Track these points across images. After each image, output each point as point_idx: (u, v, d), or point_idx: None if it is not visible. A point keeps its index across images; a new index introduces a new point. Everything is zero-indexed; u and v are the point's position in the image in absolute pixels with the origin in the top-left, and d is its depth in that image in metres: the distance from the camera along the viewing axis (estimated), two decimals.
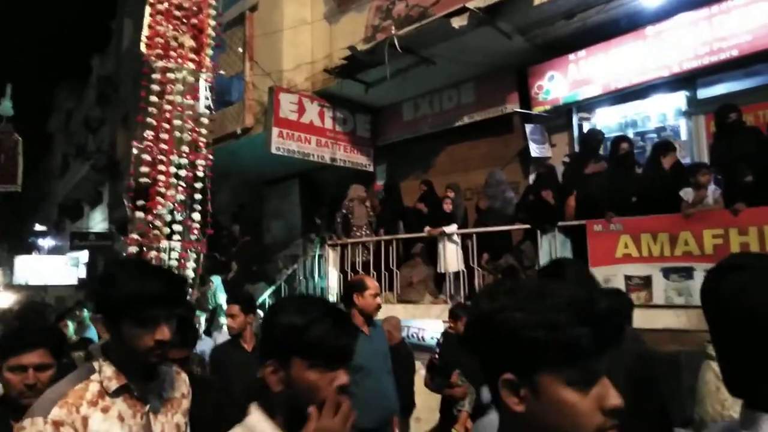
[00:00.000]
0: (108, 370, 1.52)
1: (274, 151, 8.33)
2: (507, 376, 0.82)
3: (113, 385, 1.50)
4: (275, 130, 8.35)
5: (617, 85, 6.68)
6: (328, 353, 1.17)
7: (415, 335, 7.27)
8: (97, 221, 20.59)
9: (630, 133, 6.98)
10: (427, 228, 6.96)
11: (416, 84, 8.40)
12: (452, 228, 6.77)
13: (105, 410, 1.47)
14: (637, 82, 6.53)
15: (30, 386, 1.89)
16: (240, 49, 9.49)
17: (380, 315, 4.09)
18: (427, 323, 7.02)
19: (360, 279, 3.65)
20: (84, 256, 20.18)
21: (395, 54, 7.06)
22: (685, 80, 6.40)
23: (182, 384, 1.77)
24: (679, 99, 6.67)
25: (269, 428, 1.17)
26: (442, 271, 6.82)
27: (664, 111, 6.94)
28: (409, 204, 8.21)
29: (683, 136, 6.70)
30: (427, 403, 5.04)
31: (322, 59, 8.68)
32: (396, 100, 9.17)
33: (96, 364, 1.55)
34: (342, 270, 7.82)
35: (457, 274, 6.65)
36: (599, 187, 5.59)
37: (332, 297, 7.78)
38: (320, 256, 8.56)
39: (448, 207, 7.15)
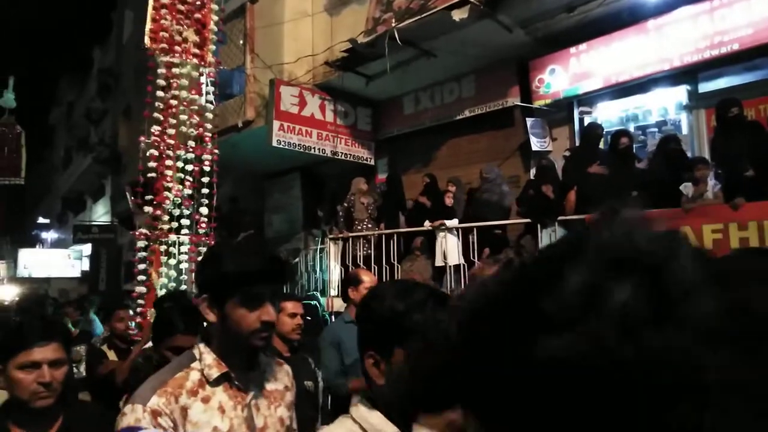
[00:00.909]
0: (208, 357, 1.46)
1: (275, 144, 8.34)
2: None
3: (214, 373, 1.43)
4: (276, 123, 8.35)
5: (618, 78, 6.66)
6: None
7: None
8: (100, 214, 20.65)
9: (631, 127, 6.97)
10: (427, 222, 6.99)
11: (417, 77, 8.39)
12: (453, 222, 6.79)
13: (205, 400, 1.41)
14: (638, 75, 6.51)
15: (46, 385, 1.65)
16: (241, 42, 9.48)
17: None
18: None
19: (355, 273, 3.64)
20: (87, 248, 20.23)
21: (396, 47, 7.05)
22: (686, 74, 6.39)
23: (285, 375, 1.66)
24: (680, 93, 6.66)
25: (378, 418, 1.08)
26: (441, 264, 6.85)
27: (665, 105, 6.93)
28: (410, 198, 8.23)
29: (684, 130, 6.69)
30: None
31: (322, 52, 8.67)
32: (397, 94, 9.16)
33: (196, 351, 1.49)
34: (344, 264, 7.84)
35: (457, 267, 6.68)
36: (599, 182, 5.60)
37: (333, 291, 7.82)
38: (322, 250, 8.59)
39: (449, 201, 7.17)
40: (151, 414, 1.34)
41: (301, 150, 8.67)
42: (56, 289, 18.81)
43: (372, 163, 9.64)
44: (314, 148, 8.85)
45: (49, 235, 27.33)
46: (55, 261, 22.35)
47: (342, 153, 9.22)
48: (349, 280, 3.53)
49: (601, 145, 6.37)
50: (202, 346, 1.50)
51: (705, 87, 6.39)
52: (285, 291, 8.19)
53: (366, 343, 1.11)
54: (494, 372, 0.38)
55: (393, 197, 8.20)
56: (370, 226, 7.91)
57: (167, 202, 4.92)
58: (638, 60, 6.43)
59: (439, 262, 6.90)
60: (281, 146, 8.43)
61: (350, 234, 7.87)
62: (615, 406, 0.33)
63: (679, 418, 0.32)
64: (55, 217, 27.38)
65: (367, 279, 3.48)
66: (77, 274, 21.33)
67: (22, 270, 22.33)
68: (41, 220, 29.01)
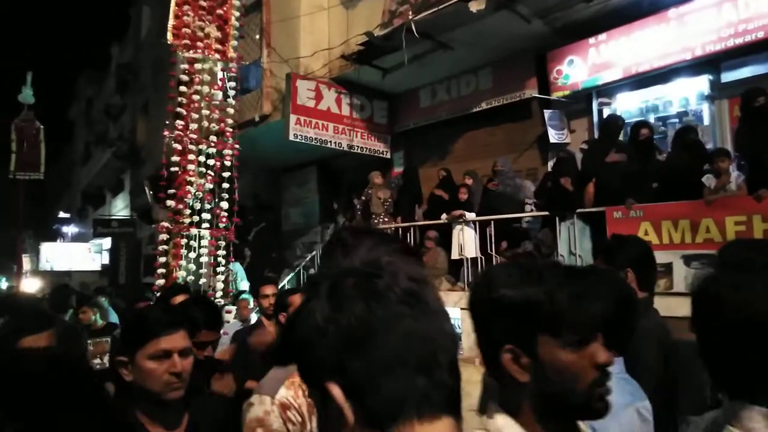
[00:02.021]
0: None
1: (291, 138, 8.37)
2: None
3: None
4: (293, 117, 8.37)
5: (638, 69, 6.56)
6: (581, 325, 0.94)
7: None
8: (119, 208, 20.93)
9: (651, 119, 6.87)
10: (444, 215, 6.97)
11: (433, 70, 8.35)
12: (471, 215, 6.77)
13: None
14: (658, 65, 6.40)
15: (177, 375, 1.55)
16: (257, 36, 9.50)
17: None
18: None
19: None
20: (107, 242, 20.55)
21: (412, 39, 7.02)
22: (709, 63, 6.27)
23: None
24: (702, 83, 6.54)
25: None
26: (458, 257, 6.83)
27: (687, 95, 6.81)
28: (426, 191, 8.21)
29: (706, 120, 6.58)
30: None
31: (339, 45, 8.66)
32: (413, 86, 9.13)
33: None
34: None
35: (474, 261, 6.66)
36: (619, 174, 5.53)
37: None
38: None
39: (463, 196, 7.14)
40: (280, 407, 1.32)
41: (318, 144, 8.70)
42: (78, 282, 19.13)
43: (388, 156, 9.63)
44: (330, 141, 8.86)
45: (70, 229, 27.76)
46: (76, 254, 22.72)
47: (358, 146, 9.23)
48: None
49: (621, 137, 6.28)
50: None
51: (728, 77, 6.27)
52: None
53: (498, 338, 0.96)
54: None
55: (409, 191, 8.20)
56: (386, 220, 7.92)
57: (189, 196, 4.98)
58: (659, 50, 6.32)
59: (455, 255, 6.89)
60: (298, 140, 8.46)
61: None
62: None
63: None
64: (76, 211, 27.83)
65: None
66: (98, 267, 21.67)
67: (45, 263, 22.73)
68: (62, 214, 29.47)
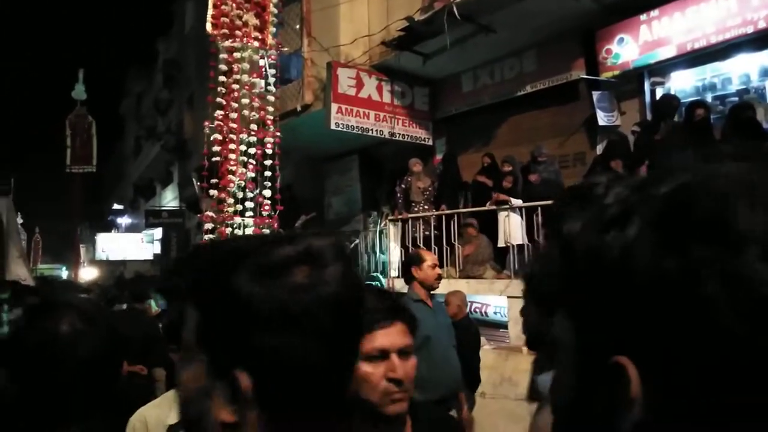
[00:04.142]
0: None
1: (333, 127, 8.38)
2: None
3: None
4: (334, 106, 8.38)
5: (694, 45, 6.22)
6: None
7: (478, 310, 7.22)
8: (169, 199, 21.59)
9: (708, 98, 6.54)
10: (489, 202, 6.85)
11: (475, 54, 8.17)
12: (518, 201, 6.63)
13: None
14: (716, 41, 6.05)
15: (398, 382, 1.16)
16: (297, 26, 9.53)
17: (443, 290, 4.08)
18: (491, 299, 6.95)
19: (417, 252, 3.69)
20: (158, 232, 21.26)
21: (454, 23, 6.88)
22: None
23: None
24: (764, 58, 6.15)
25: None
26: (504, 244, 6.71)
27: (747, 71, 6.43)
28: (468, 178, 8.08)
29: None
30: (491, 379, 5.02)
31: (379, 32, 8.58)
32: (454, 72, 8.97)
33: None
34: (403, 245, 7.83)
35: (521, 248, 6.52)
36: (673, 156, 5.27)
37: (393, 272, 7.84)
38: (381, 231, 8.61)
39: (507, 184, 7.01)
40: None
41: (359, 132, 8.68)
42: (132, 271, 19.90)
43: (430, 143, 9.53)
44: (372, 129, 8.83)
45: (123, 220, 28.86)
46: (129, 244, 23.60)
47: (399, 134, 9.16)
48: (411, 260, 3.54)
49: (676, 118, 5.99)
50: None
51: None
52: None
53: None
54: None
55: (448, 178, 8.09)
56: (426, 207, 7.86)
57: (231, 185, 5.06)
58: (717, 24, 5.98)
59: (501, 243, 6.76)
60: (339, 129, 8.46)
61: (410, 215, 7.83)
62: None
63: None
64: (128, 203, 28.89)
65: (429, 258, 3.50)
66: (150, 256, 22.45)
67: (101, 253, 23.74)
68: (115, 206, 30.67)
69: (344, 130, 8.52)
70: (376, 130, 8.89)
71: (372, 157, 10.75)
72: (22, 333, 1.14)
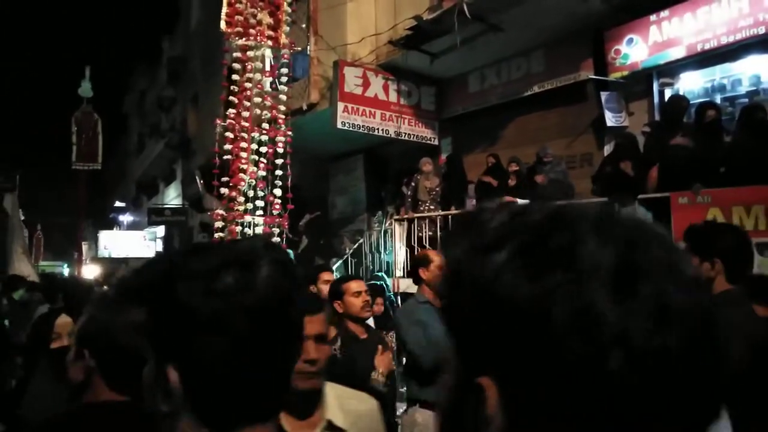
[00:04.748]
0: None
1: (339, 126, 8.36)
2: None
3: None
4: (341, 105, 8.35)
5: (704, 46, 6.19)
6: None
7: None
8: (172, 197, 21.58)
9: (717, 99, 6.49)
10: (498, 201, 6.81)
11: (483, 53, 8.13)
12: (525, 202, 6.59)
13: None
14: (727, 42, 6.02)
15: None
16: (303, 25, 9.50)
17: None
18: None
19: (424, 254, 3.68)
20: (161, 230, 21.26)
21: (462, 22, 6.84)
22: None
23: None
24: None
25: None
26: None
27: (758, 72, 6.38)
28: (474, 178, 8.05)
29: None
30: None
31: (386, 31, 8.56)
32: (462, 71, 8.94)
33: None
34: (408, 245, 7.80)
35: None
36: (684, 158, 5.24)
37: (398, 272, 7.81)
38: (386, 231, 8.58)
39: (512, 182, 6.99)
40: None
41: (365, 131, 8.65)
42: (133, 269, 19.88)
43: (436, 143, 9.50)
44: (378, 129, 8.80)
45: (126, 218, 28.85)
46: (132, 242, 23.59)
47: (405, 134, 9.13)
48: (419, 261, 3.51)
49: (685, 119, 5.95)
50: None
51: None
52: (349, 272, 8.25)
53: None
54: None
55: (454, 178, 8.06)
56: (432, 207, 7.82)
57: (242, 183, 5.03)
58: (728, 24, 5.94)
59: None
60: (346, 128, 8.44)
61: (415, 215, 7.80)
62: None
63: None
64: (131, 200, 28.90)
65: (437, 259, 3.45)
66: (152, 254, 22.43)
67: (103, 251, 23.73)
68: (118, 203, 30.68)
69: (350, 129, 8.49)
70: (382, 130, 8.86)
71: (377, 156, 10.73)
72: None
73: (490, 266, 0.43)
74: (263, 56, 5.32)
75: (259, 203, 5.10)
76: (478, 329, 0.44)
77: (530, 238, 0.43)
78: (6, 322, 4.70)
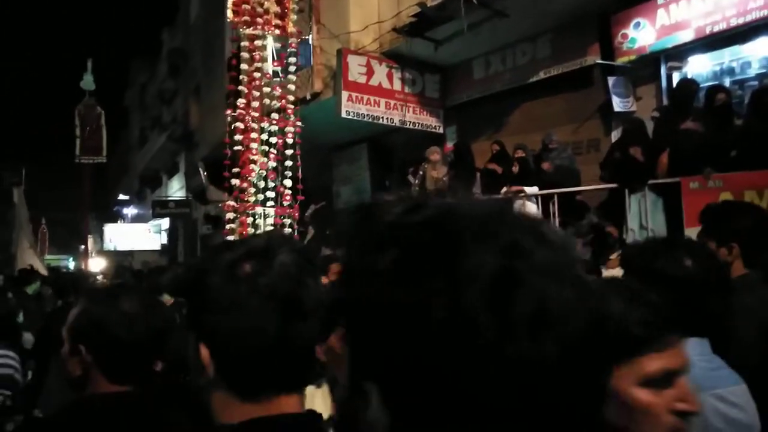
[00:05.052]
0: None
1: (344, 115, 8.31)
2: None
3: None
4: (345, 94, 8.30)
5: (713, 29, 6.11)
6: None
7: None
8: (175, 189, 21.58)
9: (726, 82, 6.43)
10: (504, 189, 6.78)
11: (488, 39, 8.04)
12: (533, 189, 6.55)
13: None
14: (737, 24, 5.94)
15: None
16: (305, 13, 9.41)
17: None
18: None
19: None
20: (165, 223, 21.29)
21: (469, 8, 6.77)
22: None
23: None
24: None
25: None
26: None
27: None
28: (480, 166, 8.01)
29: None
30: None
31: (390, 18, 8.47)
32: (466, 58, 8.85)
33: None
34: None
35: None
36: (694, 142, 5.19)
37: None
38: None
39: (515, 169, 6.95)
40: None
41: (370, 120, 8.60)
42: (139, 261, 19.95)
43: (441, 131, 9.44)
44: (382, 117, 8.75)
45: (130, 211, 28.92)
46: (136, 235, 23.65)
47: (410, 122, 9.08)
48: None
49: (695, 103, 5.90)
50: None
51: None
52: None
53: None
54: None
55: (462, 167, 8.01)
56: None
57: (253, 174, 5.02)
58: (737, 6, 5.87)
59: None
60: (350, 117, 8.39)
61: None
62: None
63: None
64: (135, 193, 28.92)
65: None
66: (157, 247, 22.50)
67: (108, 244, 23.82)
68: (122, 196, 30.72)
69: (355, 118, 8.44)
70: (387, 118, 8.81)
71: (381, 145, 10.67)
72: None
73: (375, 268, 0.43)
74: (270, 45, 5.28)
75: (270, 194, 5.09)
76: (364, 332, 0.44)
77: (414, 241, 0.43)
78: (21, 316, 4.70)
